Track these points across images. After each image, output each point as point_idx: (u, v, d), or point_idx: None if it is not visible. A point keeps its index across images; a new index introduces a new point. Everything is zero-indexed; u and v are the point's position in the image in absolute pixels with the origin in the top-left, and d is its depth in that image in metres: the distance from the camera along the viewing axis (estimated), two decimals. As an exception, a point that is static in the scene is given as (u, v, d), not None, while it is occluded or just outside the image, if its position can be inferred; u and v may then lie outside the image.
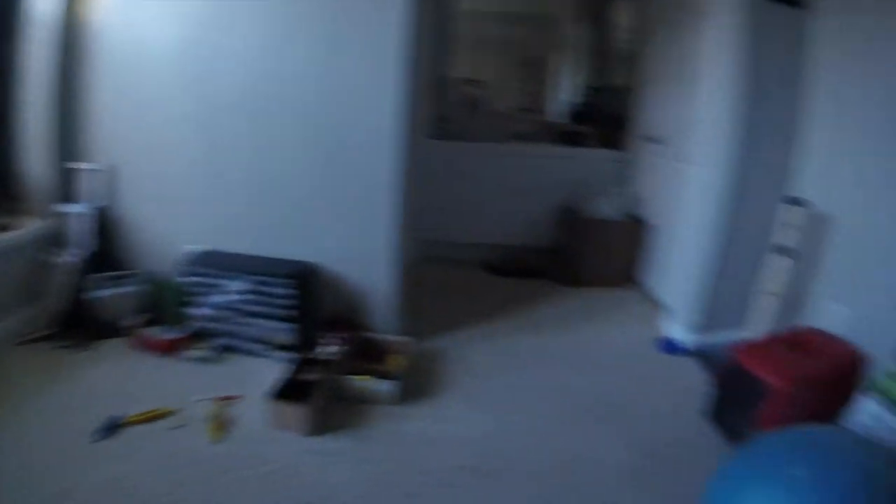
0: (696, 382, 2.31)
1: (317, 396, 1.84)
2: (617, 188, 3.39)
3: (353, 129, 2.23)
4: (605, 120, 3.80)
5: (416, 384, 2.17)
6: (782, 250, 2.30)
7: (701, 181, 2.55)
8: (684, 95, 2.82)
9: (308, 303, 2.30)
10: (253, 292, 2.22)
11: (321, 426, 1.85)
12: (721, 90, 2.38)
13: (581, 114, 4.01)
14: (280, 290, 2.20)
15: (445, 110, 3.65)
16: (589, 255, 3.24)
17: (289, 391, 1.86)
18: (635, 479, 1.76)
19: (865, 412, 1.76)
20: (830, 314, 2.26)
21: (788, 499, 1.21)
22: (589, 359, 2.50)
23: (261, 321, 2.25)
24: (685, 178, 2.79)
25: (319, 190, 2.33)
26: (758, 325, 2.39)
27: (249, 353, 2.29)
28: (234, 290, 2.24)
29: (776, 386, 1.80)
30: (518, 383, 2.27)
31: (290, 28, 2.19)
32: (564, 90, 4.23)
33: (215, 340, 2.29)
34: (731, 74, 2.31)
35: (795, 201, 2.28)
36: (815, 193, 2.31)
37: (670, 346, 2.59)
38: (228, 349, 2.30)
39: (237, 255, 2.37)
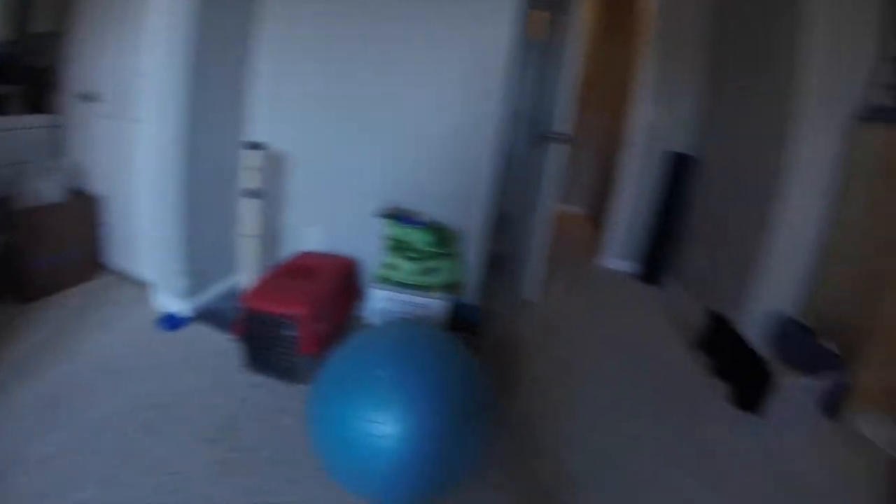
0: (218, 344, 2.21)
1: None
2: (54, 162, 2.59)
3: None
4: (30, 77, 2.74)
5: None
6: (251, 193, 2.41)
7: (151, 139, 2.27)
8: (124, 45, 2.39)
9: None
10: None
11: None
12: (167, 40, 2.14)
13: (-3, 70, 2.74)
14: None
15: None
16: (39, 254, 2.38)
17: None
18: (225, 467, 1.61)
19: (377, 299, 2.19)
20: (309, 237, 2.63)
21: (379, 398, 1.33)
22: (100, 373, 1.94)
23: None
24: (132, 137, 2.43)
25: None
26: (248, 268, 2.47)
27: None
28: None
29: (299, 315, 1.95)
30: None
31: None
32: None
33: None
34: (177, 24, 2.11)
35: (254, 145, 2.40)
36: (269, 136, 2.54)
37: (173, 322, 2.32)
38: None
39: None
